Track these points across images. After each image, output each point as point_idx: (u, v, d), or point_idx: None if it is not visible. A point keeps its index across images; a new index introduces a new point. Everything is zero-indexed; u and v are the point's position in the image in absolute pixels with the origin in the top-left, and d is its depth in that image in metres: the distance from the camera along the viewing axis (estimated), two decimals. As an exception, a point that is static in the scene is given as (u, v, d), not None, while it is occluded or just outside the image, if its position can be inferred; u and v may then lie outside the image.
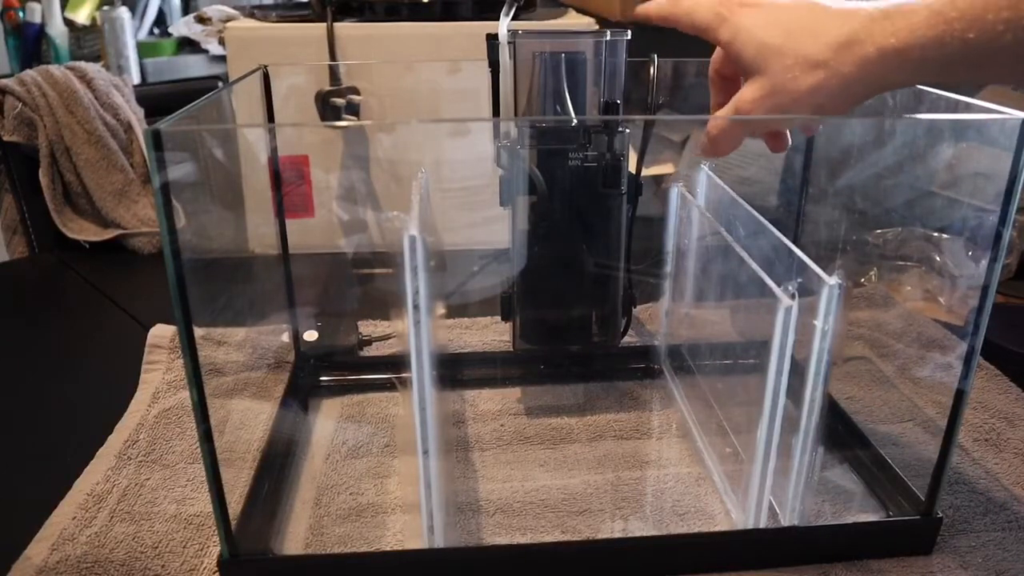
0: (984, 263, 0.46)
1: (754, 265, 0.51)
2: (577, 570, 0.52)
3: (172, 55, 1.94)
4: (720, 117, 0.49)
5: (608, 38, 0.62)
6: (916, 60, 0.41)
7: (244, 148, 0.70)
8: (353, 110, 0.90)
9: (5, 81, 1.03)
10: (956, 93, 0.49)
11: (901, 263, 0.91)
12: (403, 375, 0.46)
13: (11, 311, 0.92)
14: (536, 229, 0.64)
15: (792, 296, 0.46)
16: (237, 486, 0.54)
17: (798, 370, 0.47)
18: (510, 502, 0.57)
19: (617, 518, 0.56)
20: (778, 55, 0.44)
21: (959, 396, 0.49)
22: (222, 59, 1.73)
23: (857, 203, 0.92)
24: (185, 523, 0.55)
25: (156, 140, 0.40)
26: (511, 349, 0.71)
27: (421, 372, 0.45)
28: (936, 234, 0.91)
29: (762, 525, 0.51)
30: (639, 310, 0.81)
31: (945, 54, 0.40)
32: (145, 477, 0.59)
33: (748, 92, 0.46)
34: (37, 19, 1.85)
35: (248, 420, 0.65)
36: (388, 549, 0.53)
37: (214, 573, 0.50)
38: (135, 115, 1.09)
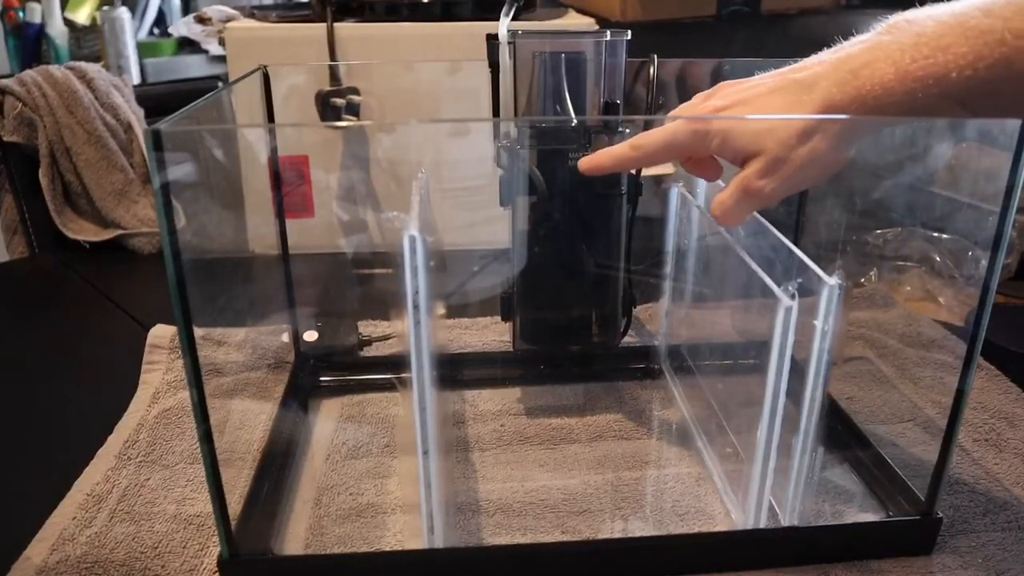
0: (984, 263, 0.46)
1: (754, 265, 0.51)
2: (577, 570, 0.52)
3: (172, 55, 1.94)
4: (727, 195, 0.50)
5: (608, 38, 0.62)
6: (894, 107, 0.43)
7: (244, 148, 0.70)
8: (353, 110, 0.90)
9: (5, 81, 1.03)
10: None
11: (901, 263, 0.91)
12: (403, 375, 0.46)
13: (11, 311, 0.92)
14: (536, 229, 0.64)
15: (792, 296, 0.46)
16: (237, 486, 0.54)
17: (798, 370, 0.47)
18: (510, 502, 0.57)
19: (617, 518, 0.56)
20: (770, 134, 0.46)
21: (959, 396, 0.49)
22: (222, 59, 1.73)
23: (857, 203, 0.92)
24: (185, 523, 0.55)
25: (156, 140, 0.40)
26: (511, 349, 0.71)
27: (421, 372, 0.45)
28: (936, 234, 0.91)
29: (762, 525, 0.51)
30: (639, 310, 0.81)
31: (919, 101, 0.43)
32: (145, 477, 0.59)
33: (753, 169, 0.47)
34: (37, 19, 1.85)
35: (248, 420, 0.65)
36: (388, 549, 0.53)
37: (214, 573, 0.50)
38: (135, 115, 1.09)
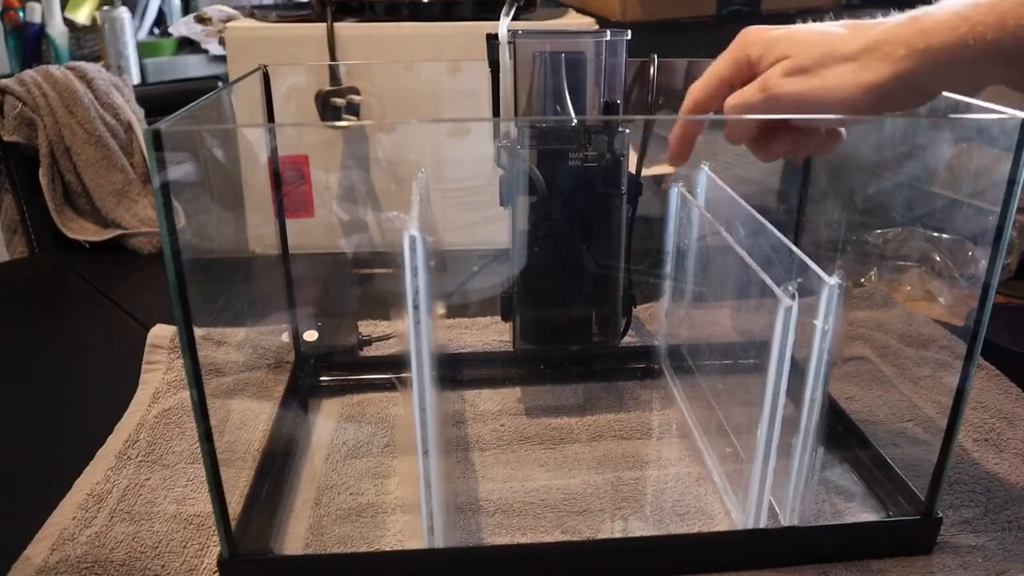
0: (984, 263, 0.46)
1: (754, 265, 0.51)
2: (577, 570, 0.52)
3: (172, 55, 1.95)
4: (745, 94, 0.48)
5: (608, 38, 0.62)
6: (944, 60, 0.41)
7: (244, 148, 0.70)
8: (353, 110, 0.90)
9: (5, 81, 1.03)
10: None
11: (901, 263, 0.91)
12: (403, 375, 0.46)
13: (11, 311, 0.92)
14: (536, 229, 0.64)
15: (792, 296, 0.46)
16: (237, 486, 0.54)
17: (798, 370, 0.47)
18: (510, 502, 0.57)
19: (617, 518, 0.56)
20: (810, 46, 0.45)
21: (959, 396, 0.49)
22: (222, 59, 1.73)
23: (857, 203, 0.92)
24: (185, 523, 0.55)
25: (156, 140, 0.40)
26: (511, 349, 0.71)
27: (421, 372, 0.45)
28: (936, 234, 0.91)
29: (762, 525, 0.51)
30: (639, 310, 0.81)
31: (972, 54, 0.41)
32: (145, 477, 0.59)
33: (777, 68, 0.46)
34: (37, 19, 1.85)
35: (248, 420, 0.65)
36: (388, 549, 0.53)
37: (214, 573, 0.50)
38: (135, 115, 1.09)
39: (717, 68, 0.50)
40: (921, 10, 0.42)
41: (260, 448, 0.60)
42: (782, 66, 0.46)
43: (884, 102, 0.44)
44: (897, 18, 0.43)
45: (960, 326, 0.80)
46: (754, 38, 0.48)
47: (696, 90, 0.51)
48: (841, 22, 0.46)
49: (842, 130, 0.51)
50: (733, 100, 0.48)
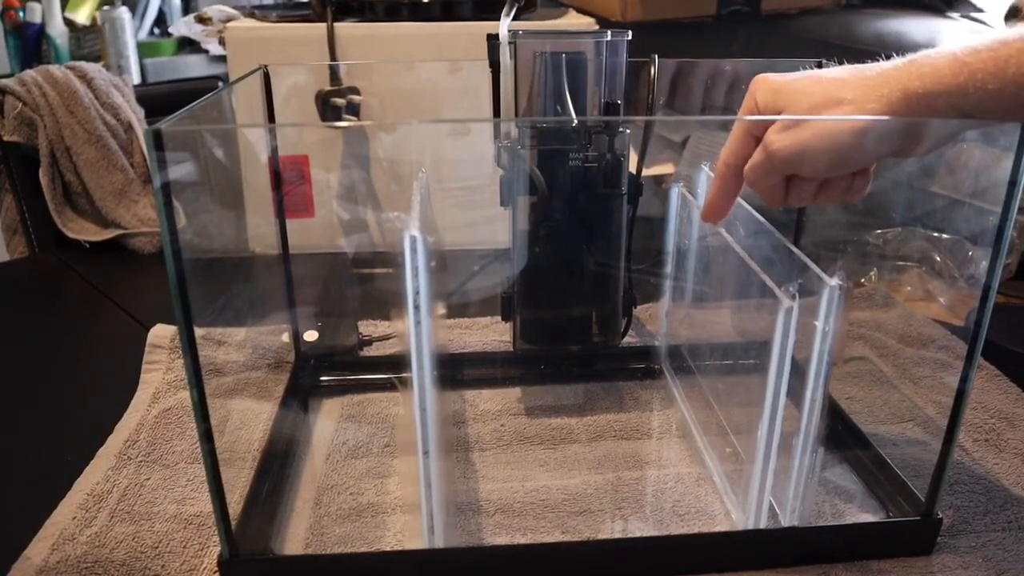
0: (984, 263, 0.46)
1: (754, 265, 0.51)
2: (577, 570, 0.52)
3: (172, 55, 1.95)
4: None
5: (608, 38, 0.62)
6: (943, 105, 0.41)
7: (244, 148, 0.70)
8: (353, 110, 0.90)
9: (5, 81, 1.03)
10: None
11: (901, 263, 0.91)
12: (403, 375, 0.46)
13: (11, 311, 0.92)
14: (536, 229, 0.64)
15: (793, 297, 0.46)
16: (237, 486, 0.54)
17: (798, 370, 0.47)
18: (510, 502, 0.57)
19: (617, 518, 0.56)
20: (805, 95, 0.45)
21: (959, 396, 0.49)
22: (222, 59, 1.73)
23: (857, 203, 0.92)
24: (185, 523, 0.55)
25: (156, 140, 0.40)
26: (511, 349, 0.71)
27: (421, 372, 0.45)
28: (936, 234, 0.91)
29: (762, 525, 0.51)
30: (639, 310, 0.81)
31: (971, 101, 0.40)
32: (145, 477, 0.59)
33: (776, 125, 0.46)
34: (37, 19, 1.85)
35: (248, 420, 0.65)
36: (388, 549, 0.53)
37: (214, 573, 0.50)
38: (135, 115, 1.09)
39: (737, 123, 0.50)
40: (920, 53, 0.43)
41: (260, 448, 0.60)
42: (779, 122, 0.46)
43: (876, 145, 0.44)
44: (895, 61, 0.44)
45: (960, 326, 0.80)
46: (761, 86, 0.49)
47: (725, 149, 0.51)
48: (844, 67, 0.47)
49: (870, 171, 0.50)
50: (745, 171, 0.49)
